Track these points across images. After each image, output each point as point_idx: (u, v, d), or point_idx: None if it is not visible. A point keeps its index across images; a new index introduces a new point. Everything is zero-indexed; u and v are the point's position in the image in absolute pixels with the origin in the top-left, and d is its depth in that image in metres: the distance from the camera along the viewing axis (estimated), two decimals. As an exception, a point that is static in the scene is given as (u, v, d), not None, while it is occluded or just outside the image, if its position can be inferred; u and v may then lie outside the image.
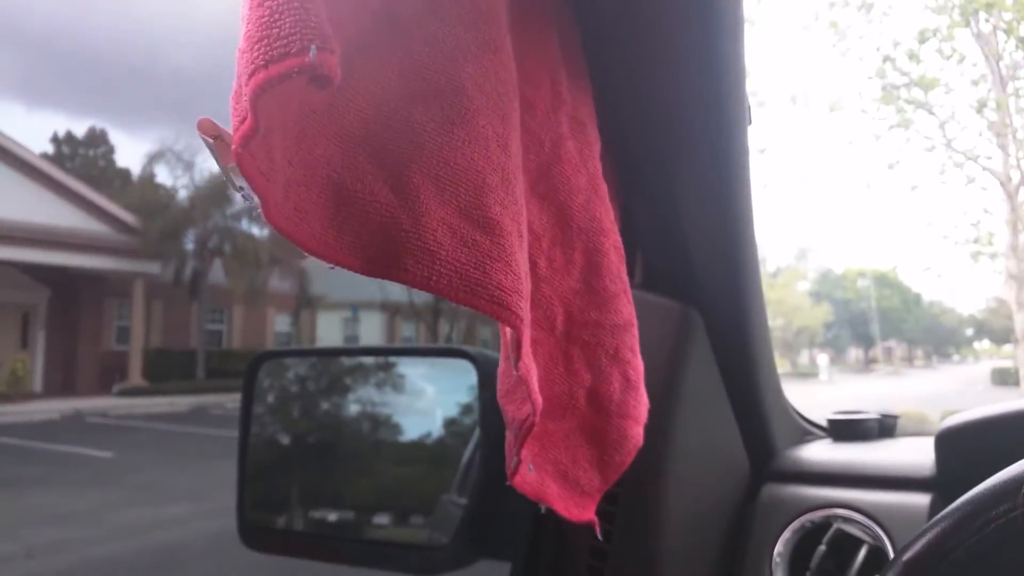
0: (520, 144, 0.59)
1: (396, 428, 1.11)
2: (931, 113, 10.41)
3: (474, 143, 0.52)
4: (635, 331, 0.77)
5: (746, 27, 0.75)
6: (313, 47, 0.39)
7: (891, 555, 0.89)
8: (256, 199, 0.43)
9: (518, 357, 0.56)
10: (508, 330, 0.61)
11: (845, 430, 1.15)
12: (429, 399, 1.11)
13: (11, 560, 5.74)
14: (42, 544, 6.18)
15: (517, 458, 0.62)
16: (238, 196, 0.44)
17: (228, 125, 0.43)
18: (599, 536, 0.77)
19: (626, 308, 0.76)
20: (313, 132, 0.46)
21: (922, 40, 10.06)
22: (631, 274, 0.90)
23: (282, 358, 1.24)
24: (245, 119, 0.40)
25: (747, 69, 0.78)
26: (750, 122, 0.84)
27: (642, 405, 0.77)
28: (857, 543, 0.93)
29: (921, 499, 0.92)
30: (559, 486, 0.71)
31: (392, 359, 1.18)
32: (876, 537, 0.91)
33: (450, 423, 1.06)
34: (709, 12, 0.69)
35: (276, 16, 0.40)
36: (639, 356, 0.77)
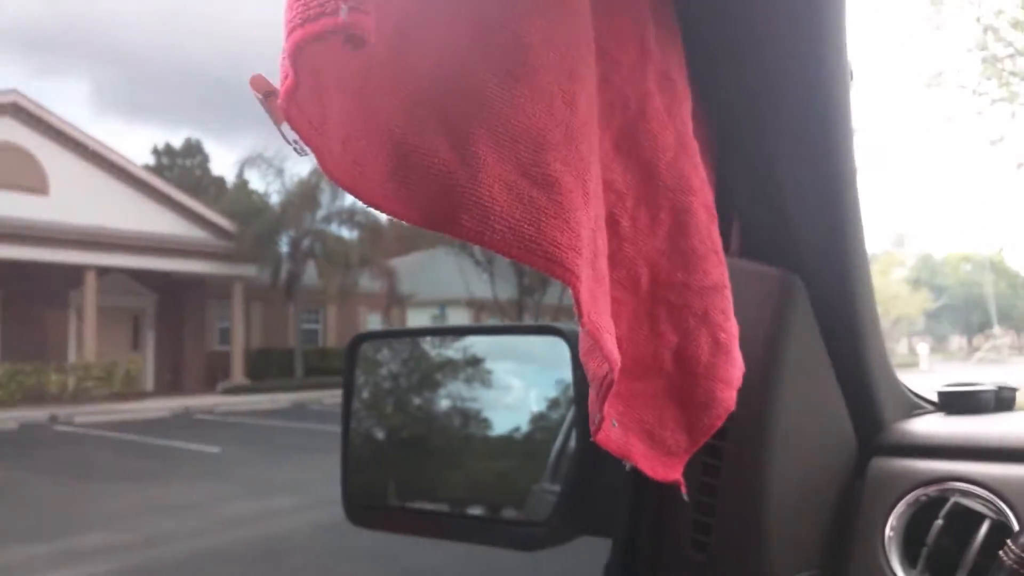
0: (595, 101, 0.59)
1: (486, 423, 1.11)
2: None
3: (537, 100, 0.51)
4: (727, 293, 0.75)
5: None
6: (344, 7, 0.40)
7: (1016, 529, 0.84)
8: (308, 151, 0.44)
9: (580, 314, 0.55)
10: None
11: (958, 402, 1.09)
12: (517, 394, 1.11)
13: (132, 548, 6.08)
14: (158, 533, 6.51)
15: (600, 415, 0.62)
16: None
17: None
18: (685, 496, 0.75)
19: (716, 269, 0.74)
20: (374, 88, 0.47)
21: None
22: (728, 241, 0.88)
23: (379, 339, 1.27)
24: (288, 76, 0.42)
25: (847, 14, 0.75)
26: (852, 78, 0.81)
27: (735, 368, 0.75)
28: (977, 518, 0.88)
29: None
30: (645, 445, 0.70)
31: (483, 344, 1.18)
32: (999, 511, 0.87)
33: (538, 417, 1.06)
34: None
35: None
36: (733, 319, 0.75)
